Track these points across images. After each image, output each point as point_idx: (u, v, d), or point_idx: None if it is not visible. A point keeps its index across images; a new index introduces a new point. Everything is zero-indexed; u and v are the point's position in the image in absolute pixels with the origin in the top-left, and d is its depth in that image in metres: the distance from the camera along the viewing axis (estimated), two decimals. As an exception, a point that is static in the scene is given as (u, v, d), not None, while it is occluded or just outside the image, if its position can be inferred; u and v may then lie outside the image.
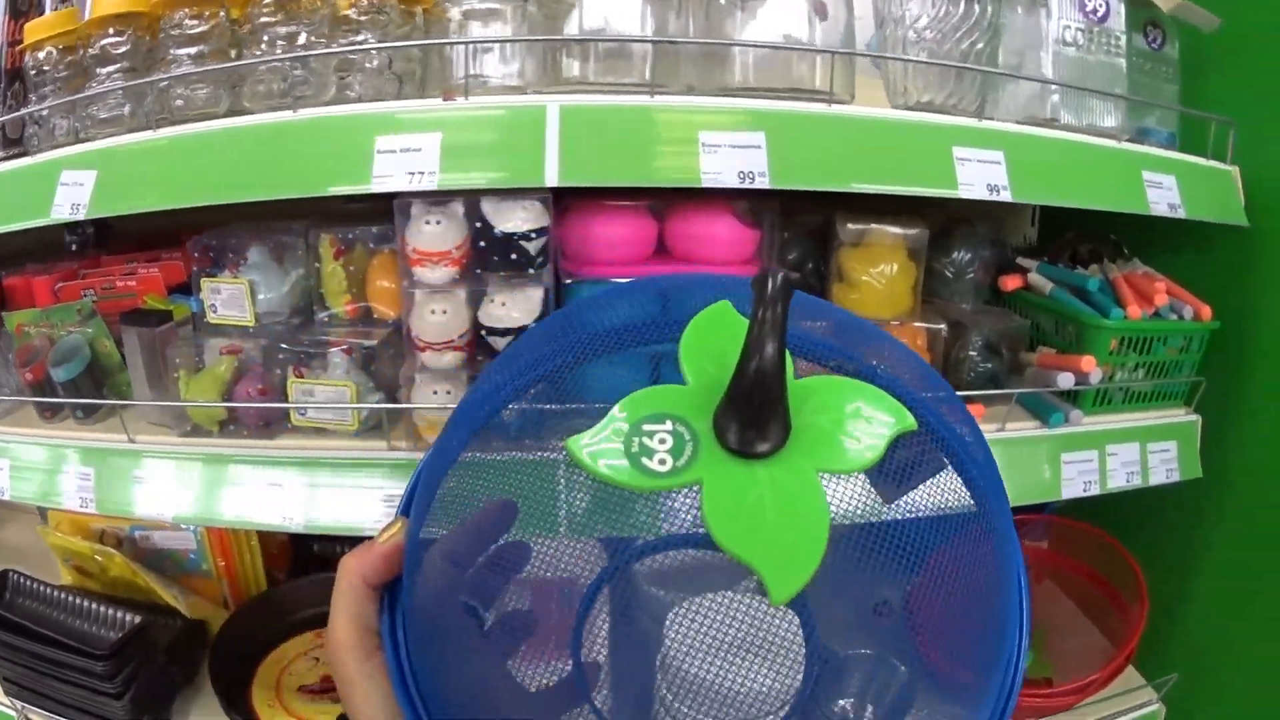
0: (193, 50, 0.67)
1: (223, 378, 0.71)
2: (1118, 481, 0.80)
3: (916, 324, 0.73)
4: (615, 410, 0.26)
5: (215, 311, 0.71)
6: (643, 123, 0.62)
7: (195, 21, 0.67)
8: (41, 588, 0.79)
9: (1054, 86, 0.73)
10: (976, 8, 0.70)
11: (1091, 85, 0.73)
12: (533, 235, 0.63)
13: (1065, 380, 0.75)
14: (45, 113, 0.69)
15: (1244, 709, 0.87)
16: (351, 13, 0.69)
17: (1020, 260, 0.87)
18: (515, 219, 0.63)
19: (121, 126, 0.68)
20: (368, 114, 0.63)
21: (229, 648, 0.82)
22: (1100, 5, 0.74)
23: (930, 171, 0.65)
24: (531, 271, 0.64)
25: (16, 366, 0.72)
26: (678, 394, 0.27)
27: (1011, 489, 0.77)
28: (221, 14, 0.69)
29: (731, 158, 0.61)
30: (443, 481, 0.31)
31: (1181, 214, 0.75)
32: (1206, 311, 0.82)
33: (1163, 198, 0.75)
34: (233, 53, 0.70)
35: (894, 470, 0.28)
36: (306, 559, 0.94)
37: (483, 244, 0.64)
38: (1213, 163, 0.81)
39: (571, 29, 0.65)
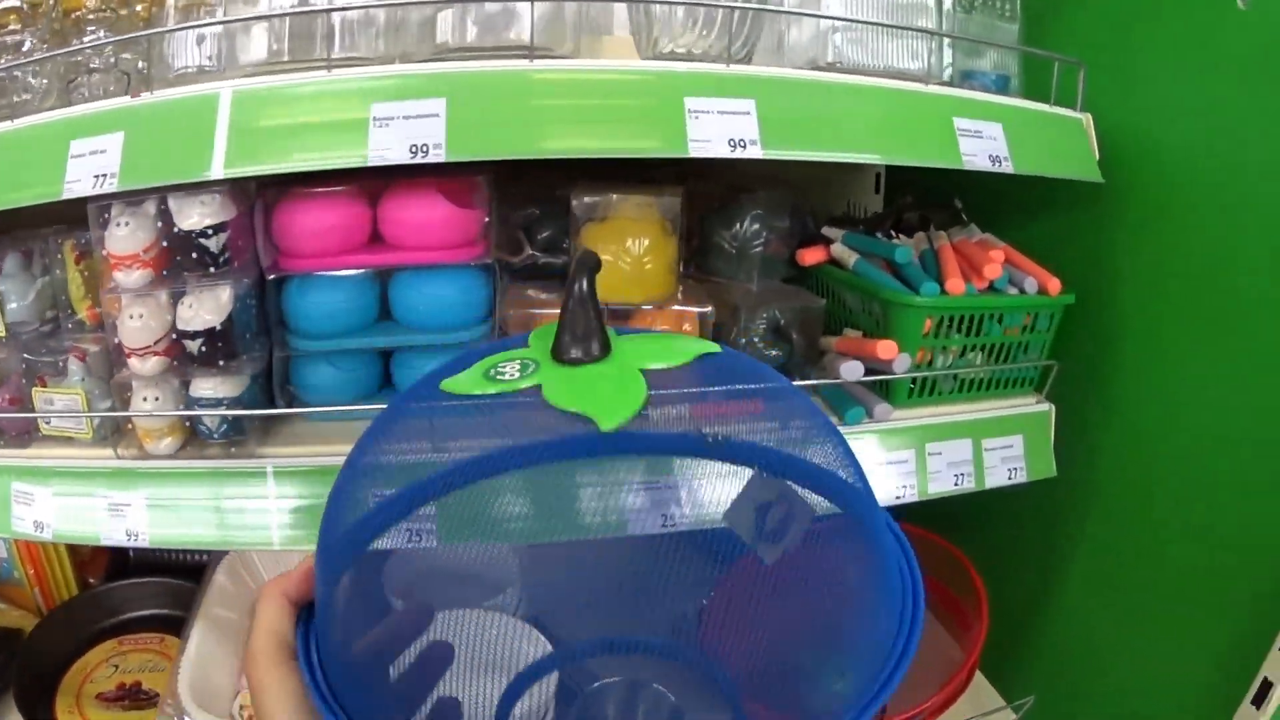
0: None
1: (-28, 389, 0.70)
2: (942, 485, 0.71)
3: (676, 308, 0.66)
4: (474, 366, 0.34)
5: (-35, 323, 0.71)
6: (316, 99, 0.58)
7: None
8: None
9: (838, 26, 0.64)
10: None
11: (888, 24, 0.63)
12: (211, 231, 0.60)
13: (850, 371, 0.66)
14: None
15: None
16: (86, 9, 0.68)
17: (826, 231, 0.78)
18: (193, 215, 0.60)
19: None
20: (61, 119, 0.61)
21: (34, 656, 0.83)
22: None
23: (655, 129, 0.58)
24: (213, 270, 0.61)
25: None
26: (522, 351, 0.36)
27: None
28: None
29: (404, 130, 0.57)
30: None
31: (1008, 168, 0.64)
32: (1054, 284, 0.71)
33: (982, 149, 0.64)
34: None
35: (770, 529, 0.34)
36: (123, 564, 0.94)
37: (166, 243, 0.61)
38: (1057, 109, 0.70)
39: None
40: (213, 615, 0.80)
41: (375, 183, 0.63)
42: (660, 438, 0.36)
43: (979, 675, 0.88)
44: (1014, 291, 0.71)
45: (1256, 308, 0.62)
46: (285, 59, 0.60)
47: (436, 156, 0.56)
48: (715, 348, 0.36)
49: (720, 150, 0.57)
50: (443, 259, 0.62)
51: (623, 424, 0.30)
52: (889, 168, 0.97)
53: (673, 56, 0.61)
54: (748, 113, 0.57)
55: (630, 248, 0.64)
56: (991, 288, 0.71)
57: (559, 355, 0.33)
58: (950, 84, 0.67)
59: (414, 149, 0.56)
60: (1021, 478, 0.73)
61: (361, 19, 0.59)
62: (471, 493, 0.35)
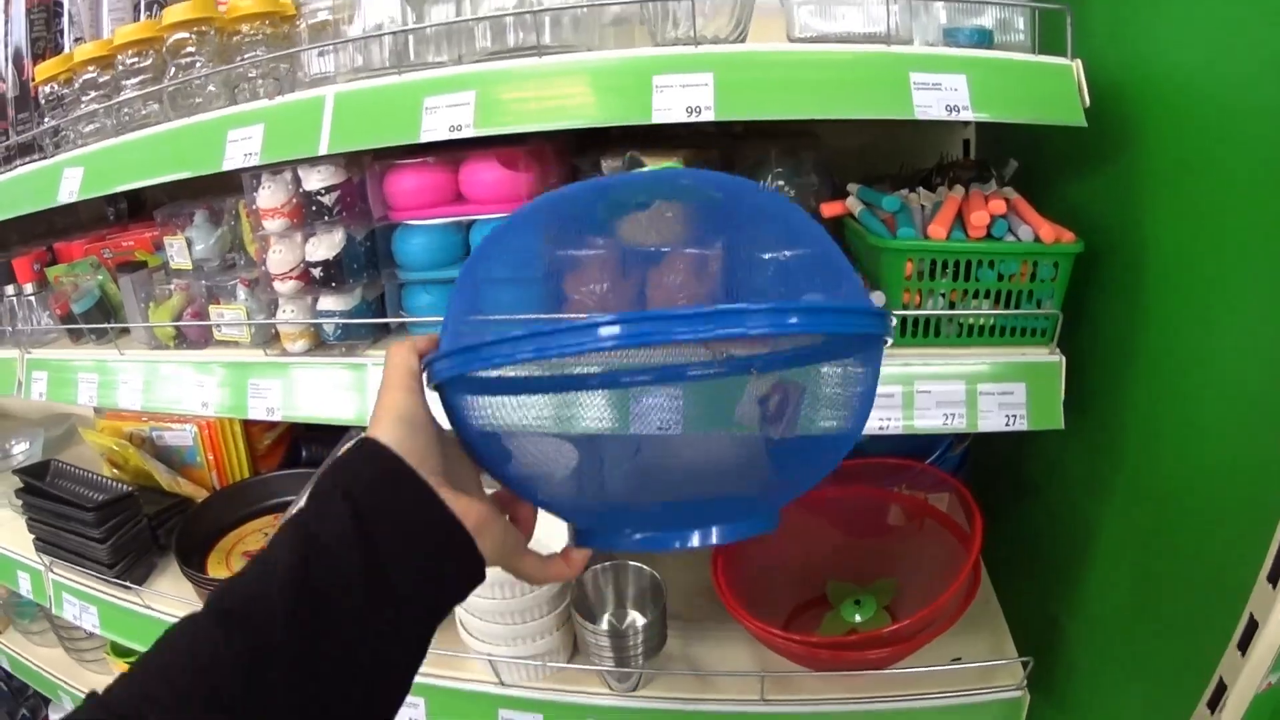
0: (136, 80, 0.96)
1: (174, 307, 1.01)
2: (930, 421, 0.79)
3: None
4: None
5: (172, 260, 1.01)
6: (385, 95, 0.79)
7: (136, 59, 0.96)
8: (76, 471, 1.18)
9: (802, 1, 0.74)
10: None
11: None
12: (324, 191, 0.83)
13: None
14: (58, 126, 1.04)
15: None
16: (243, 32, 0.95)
17: (849, 186, 0.87)
18: (314, 179, 0.84)
19: (99, 137, 1.00)
20: (221, 116, 0.88)
21: (198, 520, 1.14)
22: None
23: (628, 103, 0.73)
24: (328, 219, 0.84)
25: (51, 306, 1.08)
26: None
27: None
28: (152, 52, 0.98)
29: (446, 116, 0.76)
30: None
31: (967, 115, 0.73)
32: (1049, 231, 0.77)
33: (939, 100, 0.73)
34: (171, 71, 0.98)
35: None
36: (294, 460, 1.24)
37: (296, 200, 0.85)
38: (1040, 58, 0.76)
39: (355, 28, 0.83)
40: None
41: (456, 154, 0.86)
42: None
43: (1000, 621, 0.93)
44: (1012, 239, 0.77)
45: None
46: (376, 66, 0.81)
47: (469, 132, 0.74)
48: None
49: (680, 116, 0.71)
50: (503, 211, 0.81)
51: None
52: (983, 133, 1.08)
53: (668, 40, 0.75)
54: (705, 85, 0.70)
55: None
56: (990, 236, 0.77)
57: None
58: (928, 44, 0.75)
59: (452, 128, 0.75)
60: (1022, 425, 0.79)
61: (418, 37, 0.79)
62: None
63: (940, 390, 0.81)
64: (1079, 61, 0.75)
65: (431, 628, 0.44)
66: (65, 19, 1.25)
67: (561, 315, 0.52)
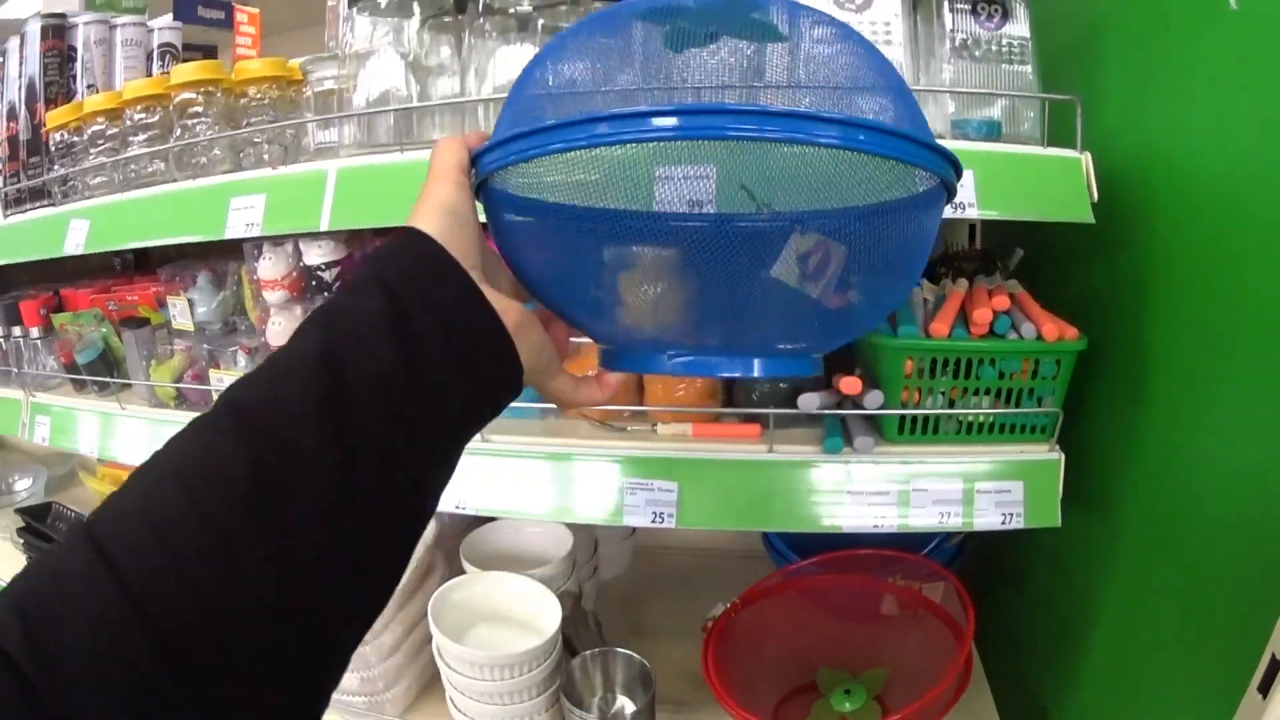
0: (143, 136, 0.95)
1: (175, 367, 1.00)
2: (925, 520, 0.77)
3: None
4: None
5: (174, 320, 1.00)
6: (390, 174, 0.77)
7: (144, 115, 0.95)
8: (76, 516, 1.17)
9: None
10: None
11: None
12: (325, 266, 0.82)
13: (806, 402, 0.75)
14: (66, 175, 1.04)
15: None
16: (250, 95, 0.94)
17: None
18: (314, 253, 0.82)
19: (107, 189, 0.99)
20: (224, 183, 0.87)
21: None
22: None
23: None
24: (327, 295, 0.82)
25: (55, 352, 1.08)
26: None
27: (783, 520, 0.82)
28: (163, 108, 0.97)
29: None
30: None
31: (973, 213, 0.71)
32: (1052, 329, 0.75)
33: None
34: (178, 131, 0.97)
35: None
36: None
37: (296, 274, 0.84)
38: (1049, 150, 0.74)
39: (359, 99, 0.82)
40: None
41: None
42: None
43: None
44: (1014, 337, 0.75)
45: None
46: (380, 142, 0.80)
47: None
48: None
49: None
50: None
51: None
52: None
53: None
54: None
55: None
56: (992, 332, 0.75)
57: None
58: (943, 138, 0.73)
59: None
60: (1019, 524, 0.78)
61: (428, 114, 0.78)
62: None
63: (938, 489, 0.79)
64: (1088, 155, 0.73)
65: (464, 439, 0.40)
66: (79, 64, 1.25)
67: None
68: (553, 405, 0.82)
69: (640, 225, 0.45)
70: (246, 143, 0.96)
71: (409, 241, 0.39)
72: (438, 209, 0.40)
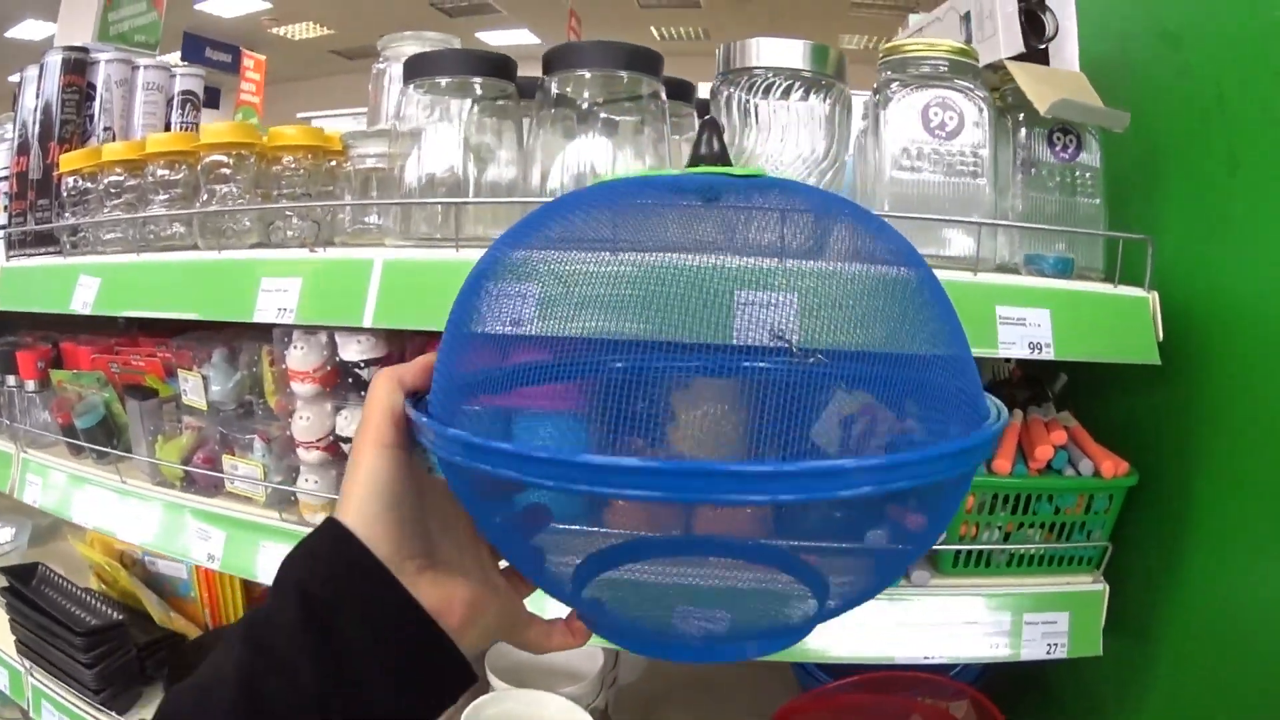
0: (165, 196, 0.88)
1: (184, 446, 0.93)
2: (975, 651, 0.74)
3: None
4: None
5: (185, 395, 0.93)
6: (444, 272, 0.72)
7: (167, 171, 0.88)
8: (62, 582, 1.09)
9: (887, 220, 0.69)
10: (819, 141, 0.70)
11: (934, 211, 0.68)
12: (365, 364, 0.76)
13: (872, 539, 0.71)
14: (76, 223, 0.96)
15: None
16: (284, 163, 0.88)
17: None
18: (352, 349, 0.76)
19: (121, 246, 0.92)
20: (255, 259, 0.80)
21: (191, 656, 1.05)
22: (950, 119, 0.69)
23: None
24: (364, 394, 0.76)
25: (52, 410, 1.00)
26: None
27: (844, 650, 0.78)
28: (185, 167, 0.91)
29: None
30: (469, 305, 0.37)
31: (1049, 354, 0.68)
32: (1108, 466, 0.72)
33: (1022, 336, 0.68)
34: (204, 195, 0.91)
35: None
36: None
37: (330, 367, 0.78)
38: (1120, 290, 0.71)
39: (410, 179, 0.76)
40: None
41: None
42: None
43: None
44: (1071, 472, 0.73)
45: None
46: (431, 235, 0.74)
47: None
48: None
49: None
50: (552, 406, 0.74)
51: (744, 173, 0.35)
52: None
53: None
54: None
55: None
56: (1049, 467, 0.73)
57: (692, 160, 0.37)
58: (1016, 269, 0.70)
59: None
60: (1062, 654, 0.75)
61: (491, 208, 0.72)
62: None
63: (988, 620, 0.75)
64: (1155, 294, 0.71)
65: None
66: (97, 103, 1.17)
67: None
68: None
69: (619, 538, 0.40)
70: (278, 214, 0.90)
71: (330, 538, 0.34)
72: (362, 490, 0.34)
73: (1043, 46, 0.76)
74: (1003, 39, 0.72)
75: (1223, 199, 0.72)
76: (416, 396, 0.37)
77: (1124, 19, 0.83)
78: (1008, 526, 0.75)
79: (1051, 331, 0.67)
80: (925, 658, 0.74)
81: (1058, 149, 0.73)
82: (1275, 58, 0.66)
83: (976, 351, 0.67)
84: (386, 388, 0.36)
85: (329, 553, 0.34)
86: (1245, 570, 0.69)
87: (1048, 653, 0.74)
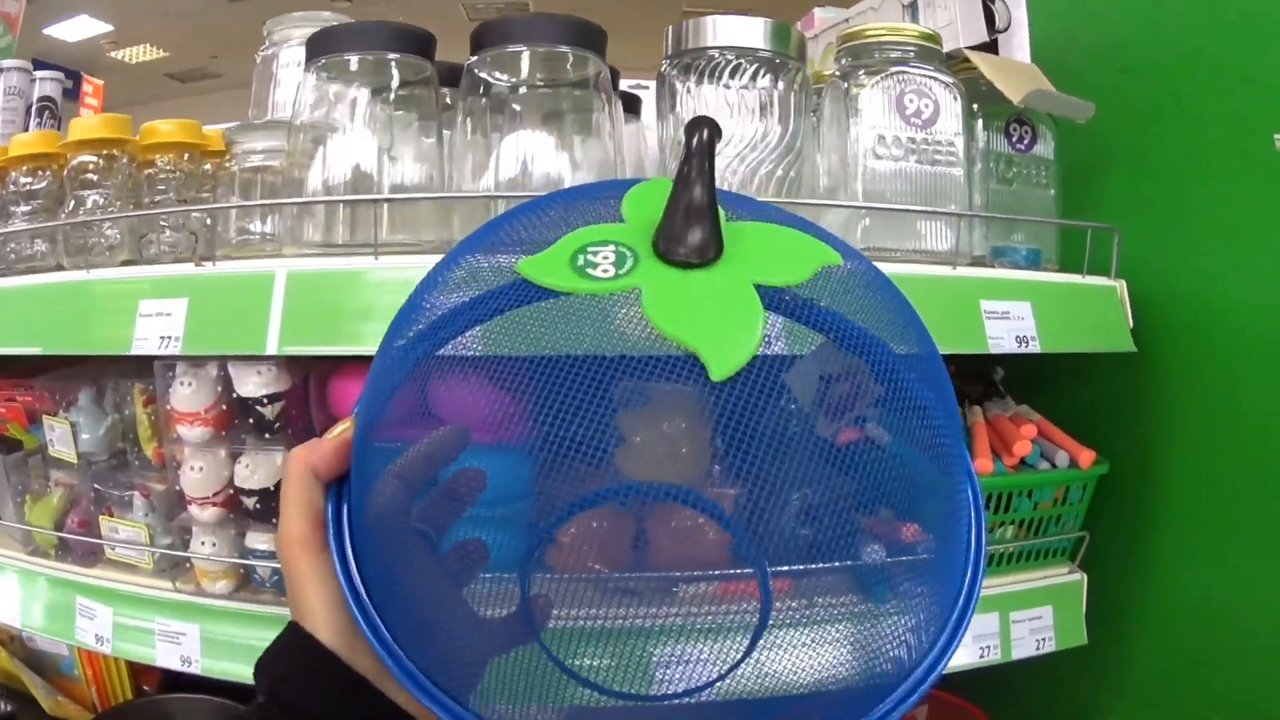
0: (27, 207, 0.71)
1: (55, 507, 0.75)
2: (967, 658, 0.69)
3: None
4: (559, 242, 0.27)
5: (52, 446, 0.75)
6: (363, 284, 0.60)
7: (30, 180, 0.71)
8: None
9: (864, 210, 0.63)
10: (775, 126, 0.62)
11: (914, 202, 0.63)
12: (267, 400, 0.62)
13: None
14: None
15: None
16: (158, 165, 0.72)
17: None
18: (250, 383, 0.63)
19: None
20: (132, 278, 0.65)
21: None
22: (925, 106, 0.63)
23: None
24: (268, 436, 0.63)
25: None
26: (618, 229, 0.28)
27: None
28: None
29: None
30: (389, 378, 0.31)
31: (1035, 348, 0.64)
32: (1085, 456, 0.69)
33: (1009, 330, 0.63)
34: (70, 203, 0.74)
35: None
36: (176, 678, 0.97)
37: (225, 406, 0.64)
38: (1090, 279, 0.69)
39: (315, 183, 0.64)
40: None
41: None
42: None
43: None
44: (1045, 465, 0.69)
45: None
46: (338, 240, 0.62)
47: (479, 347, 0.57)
48: (835, 258, 0.29)
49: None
50: (484, 438, 0.63)
51: (734, 372, 0.24)
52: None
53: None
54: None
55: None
56: (1023, 463, 0.69)
57: (664, 249, 0.26)
58: (981, 261, 0.66)
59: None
60: (1051, 648, 0.72)
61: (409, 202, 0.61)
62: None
63: (976, 624, 0.71)
64: (1123, 283, 0.69)
65: None
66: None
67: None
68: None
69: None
70: (151, 226, 0.74)
71: (298, 648, 0.30)
72: (323, 609, 0.30)
73: (993, 39, 0.73)
74: (962, 28, 0.68)
75: (1178, 192, 0.70)
76: (338, 481, 0.31)
77: (1068, 15, 0.81)
78: (991, 526, 0.71)
79: (1035, 324, 0.63)
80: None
81: (1014, 140, 0.70)
82: (1229, 57, 0.65)
83: (966, 350, 0.62)
84: (299, 483, 0.30)
85: (296, 660, 0.30)
86: (1214, 556, 0.68)
87: (1037, 649, 0.71)
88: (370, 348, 0.57)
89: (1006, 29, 0.69)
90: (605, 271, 0.26)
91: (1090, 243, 0.67)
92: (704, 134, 0.27)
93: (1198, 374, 0.70)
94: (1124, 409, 0.75)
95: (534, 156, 0.59)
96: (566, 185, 0.59)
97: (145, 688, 0.95)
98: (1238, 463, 0.67)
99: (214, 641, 0.68)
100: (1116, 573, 0.75)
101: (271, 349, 0.59)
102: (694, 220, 0.26)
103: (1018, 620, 0.71)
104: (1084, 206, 0.73)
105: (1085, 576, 0.73)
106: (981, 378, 0.81)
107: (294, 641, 0.30)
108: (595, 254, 0.27)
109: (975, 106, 0.68)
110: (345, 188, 0.63)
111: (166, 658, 0.69)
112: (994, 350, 0.62)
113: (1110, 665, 0.77)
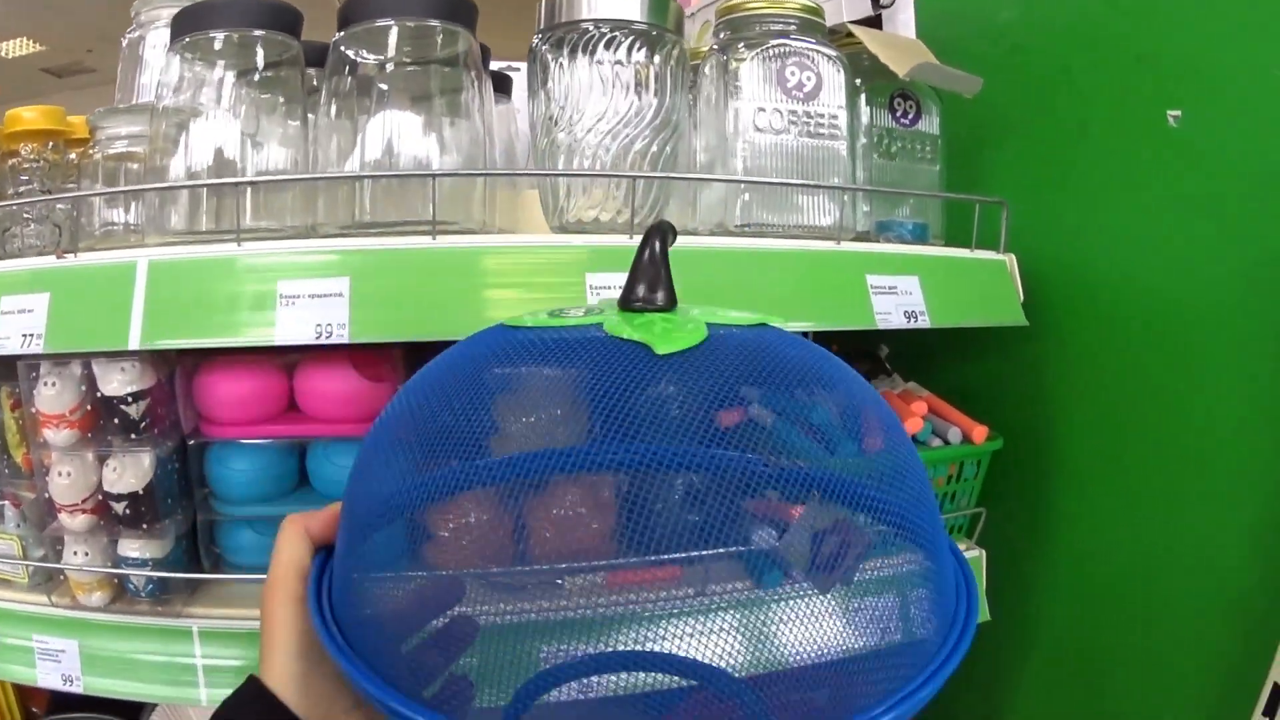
0: None
1: (-84, 523, 0.69)
2: (866, 641, 0.68)
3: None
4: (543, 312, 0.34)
5: (-90, 457, 0.70)
6: (226, 273, 0.56)
7: None
8: None
9: (744, 186, 0.61)
10: (650, 101, 0.60)
11: (796, 177, 0.61)
12: (131, 399, 0.58)
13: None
14: None
15: None
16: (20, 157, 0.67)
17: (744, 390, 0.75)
18: (114, 381, 0.58)
19: None
20: (-13, 274, 0.60)
21: None
22: (808, 79, 0.61)
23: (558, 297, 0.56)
24: (134, 436, 0.59)
25: None
26: (589, 307, 0.35)
27: None
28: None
29: (310, 309, 0.55)
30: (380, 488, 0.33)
31: (924, 323, 0.62)
32: (978, 432, 0.68)
33: (896, 305, 0.61)
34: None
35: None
36: (65, 698, 0.92)
37: (90, 406, 0.59)
38: (979, 253, 0.68)
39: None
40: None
41: (292, 354, 0.61)
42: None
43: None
44: (937, 443, 0.68)
45: (1189, 441, 0.60)
46: (202, 228, 0.58)
47: (340, 337, 0.54)
48: (777, 320, 0.35)
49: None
50: (355, 432, 0.60)
51: (676, 350, 0.30)
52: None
53: (578, 227, 0.58)
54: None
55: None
56: (914, 440, 0.68)
57: (625, 302, 0.33)
58: (866, 236, 0.64)
59: (319, 330, 0.54)
60: (954, 628, 0.70)
61: (273, 187, 0.57)
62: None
63: (875, 606, 0.70)
64: (1012, 256, 0.68)
65: None
66: None
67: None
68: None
69: None
70: (15, 219, 0.69)
71: (252, 698, 0.32)
72: (282, 654, 0.32)
73: (877, 14, 0.71)
74: (845, 3, 0.66)
75: (1069, 166, 0.69)
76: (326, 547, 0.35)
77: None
78: (886, 503, 0.69)
79: (924, 299, 0.62)
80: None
81: (898, 115, 0.68)
82: (1124, 36, 0.65)
83: (853, 326, 0.60)
84: (292, 541, 0.34)
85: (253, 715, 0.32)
86: (1112, 527, 0.67)
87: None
88: (238, 339, 0.55)
89: (891, 4, 0.68)
90: (576, 314, 0.33)
91: (978, 217, 0.66)
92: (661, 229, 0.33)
93: (1091, 346, 0.70)
94: (1017, 383, 0.74)
95: (401, 137, 0.55)
96: (434, 168, 0.56)
97: (34, 710, 0.90)
98: (1133, 433, 0.66)
99: (94, 658, 0.63)
100: (1015, 548, 0.75)
101: (134, 344, 0.55)
102: (653, 272, 0.33)
103: (916, 601, 0.70)
104: (972, 181, 0.72)
105: (984, 553, 0.72)
106: (870, 356, 0.80)
107: (250, 693, 0.32)
108: (569, 311, 0.34)
109: (859, 81, 0.66)
110: (209, 173, 0.59)
111: (47, 677, 0.65)
112: (882, 326, 0.61)
113: (1012, 640, 0.77)
